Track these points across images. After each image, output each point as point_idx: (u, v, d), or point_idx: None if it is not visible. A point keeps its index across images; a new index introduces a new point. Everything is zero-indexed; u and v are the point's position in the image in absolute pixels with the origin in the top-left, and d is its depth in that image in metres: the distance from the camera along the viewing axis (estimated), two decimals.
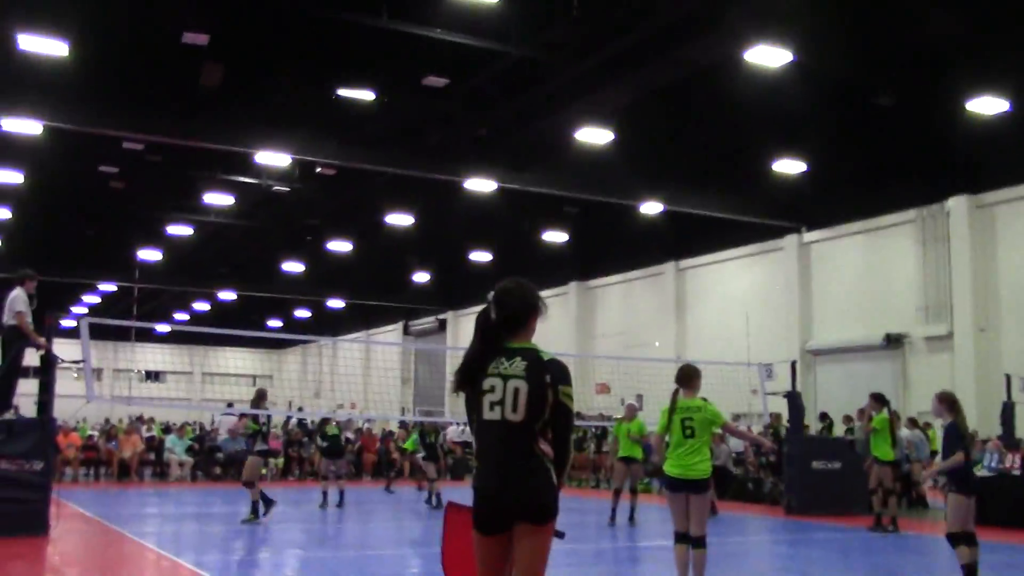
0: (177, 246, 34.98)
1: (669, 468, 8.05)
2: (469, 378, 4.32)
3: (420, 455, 18.88)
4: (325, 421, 19.20)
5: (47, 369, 12.50)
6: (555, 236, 30.64)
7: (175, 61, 18.83)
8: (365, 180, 25.42)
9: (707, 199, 25.16)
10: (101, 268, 38.31)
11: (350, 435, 24.11)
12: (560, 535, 4.40)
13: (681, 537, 8.00)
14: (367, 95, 19.80)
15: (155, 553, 11.36)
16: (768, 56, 15.81)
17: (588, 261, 34.15)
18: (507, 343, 4.32)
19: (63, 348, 13.38)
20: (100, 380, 49.74)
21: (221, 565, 10.69)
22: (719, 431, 8.38)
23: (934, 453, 18.51)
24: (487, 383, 4.27)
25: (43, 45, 16.13)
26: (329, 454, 18.11)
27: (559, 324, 33.66)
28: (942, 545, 8.77)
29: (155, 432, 26.65)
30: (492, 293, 4.38)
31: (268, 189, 27.56)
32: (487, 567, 4.27)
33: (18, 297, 12.03)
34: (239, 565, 10.92)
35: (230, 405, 30.93)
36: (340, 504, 17.33)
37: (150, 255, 36.04)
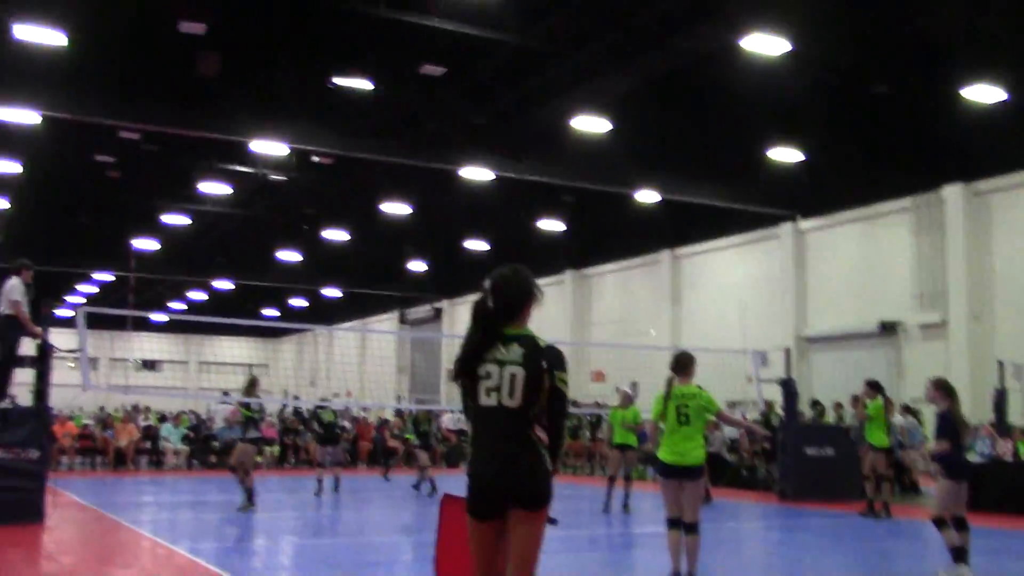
0: (174, 235, 34.95)
1: (663, 454, 8.10)
2: (469, 367, 4.35)
3: (414, 443, 18.97)
4: (322, 406, 19.30)
5: (43, 358, 12.55)
6: (551, 225, 30.66)
7: (172, 50, 18.78)
8: (362, 169, 25.40)
9: (703, 187, 25.18)
10: (97, 257, 38.27)
11: (346, 424, 24.16)
12: (553, 522, 4.45)
13: (674, 523, 8.05)
14: (364, 84, 19.78)
15: (151, 541, 11.41)
16: (765, 45, 15.82)
17: (584, 249, 34.18)
18: (504, 330, 4.36)
19: (59, 337, 13.42)
20: (96, 369, 49.75)
21: (217, 552, 10.75)
22: (713, 419, 8.44)
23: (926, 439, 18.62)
24: (484, 369, 4.30)
25: (40, 35, 16.10)
26: (324, 441, 18.18)
27: (555, 312, 33.71)
28: (934, 530, 8.86)
29: (151, 421, 26.71)
30: (489, 280, 4.41)
31: (265, 178, 27.53)
32: (481, 553, 4.31)
33: (15, 287, 12.09)
34: (235, 552, 10.98)
35: (226, 394, 31.02)
36: (336, 489, 17.41)
37: (146, 244, 36.03)
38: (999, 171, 22.01)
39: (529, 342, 4.32)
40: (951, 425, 9.00)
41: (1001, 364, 18.60)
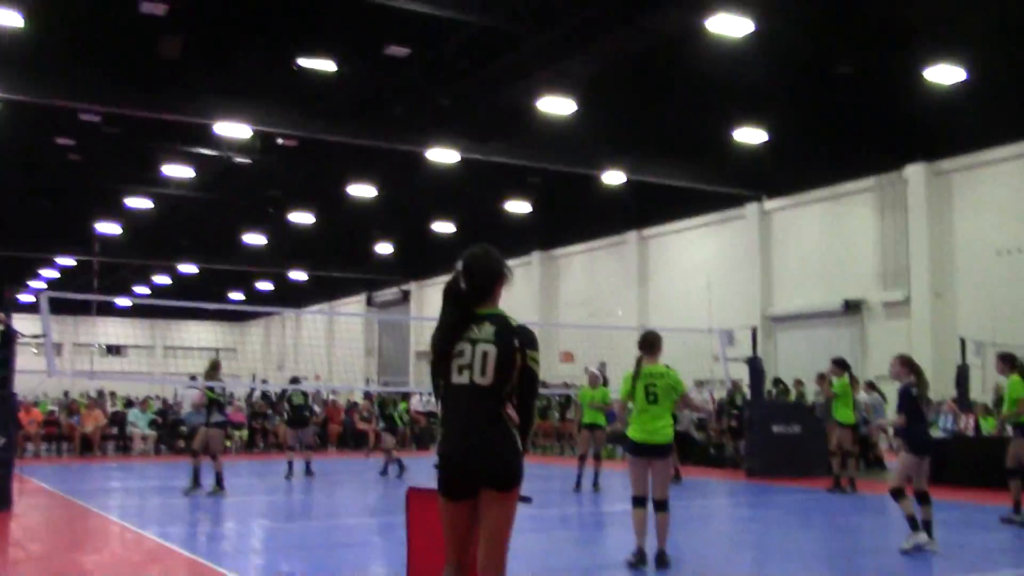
0: (137, 219, 34.55)
1: (633, 433, 8.16)
2: (447, 347, 4.35)
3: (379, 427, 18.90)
4: (294, 380, 19.26)
5: (7, 344, 12.38)
6: (518, 206, 30.65)
7: (133, 32, 18.52)
8: (327, 151, 25.22)
9: (669, 168, 25.29)
10: (60, 242, 37.82)
11: (316, 408, 24.11)
12: (527, 500, 4.47)
13: (639, 501, 8.12)
14: (328, 65, 19.61)
15: (119, 526, 11.36)
16: (729, 25, 15.86)
17: (551, 231, 34.24)
18: (476, 309, 4.37)
19: (22, 323, 13.26)
20: (60, 355, 49.22)
21: (186, 536, 10.72)
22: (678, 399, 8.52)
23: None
24: (456, 348, 4.32)
25: None
26: (294, 424, 18.13)
27: (523, 293, 33.77)
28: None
29: (118, 406, 26.49)
30: (460, 261, 4.42)
31: (229, 161, 27.26)
32: (453, 533, 4.32)
33: None
34: (204, 536, 10.96)
35: (193, 378, 30.75)
36: (308, 473, 17.38)
37: (109, 228, 35.58)
38: (960, 151, 22.29)
39: (501, 321, 4.34)
40: (911, 400, 9.18)
41: (963, 341, 18.88)
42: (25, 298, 26.42)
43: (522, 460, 4.28)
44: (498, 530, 4.23)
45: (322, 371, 44.82)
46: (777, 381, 21.90)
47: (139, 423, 24.72)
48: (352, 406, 28.88)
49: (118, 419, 24.92)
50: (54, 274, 46.46)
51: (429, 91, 21.21)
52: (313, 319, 50.23)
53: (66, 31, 18.17)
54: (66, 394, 33.01)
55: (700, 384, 24.31)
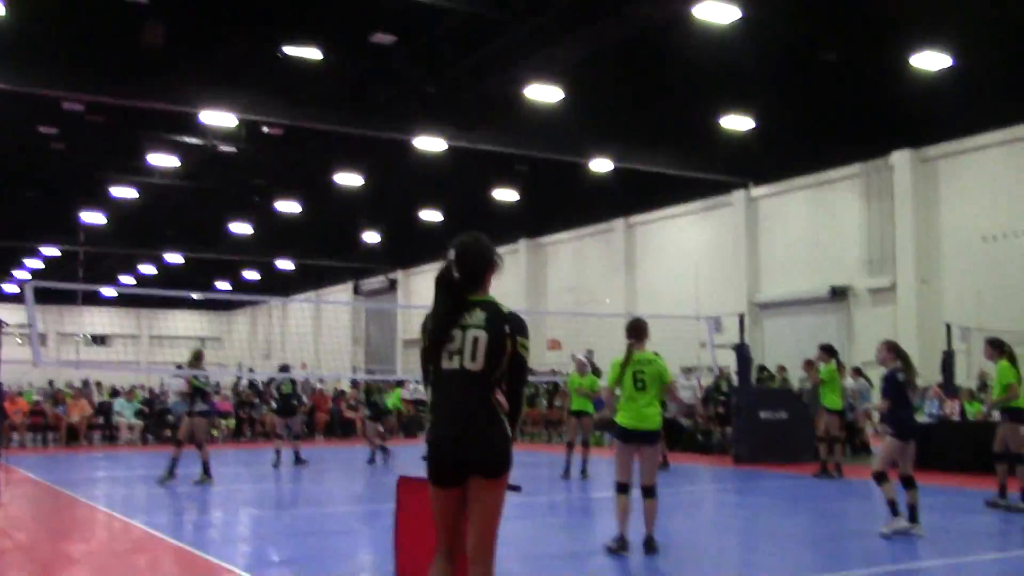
0: (122, 208, 34.36)
1: (622, 419, 8.16)
2: (442, 335, 4.34)
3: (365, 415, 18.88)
4: (283, 369, 19.24)
5: None
6: (505, 194, 30.60)
7: (116, 20, 18.38)
8: (313, 140, 25.13)
9: (656, 156, 25.29)
10: (44, 231, 37.59)
11: (304, 396, 24.07)
12: (517, 489, 4.48)
13: (623, 487, 8.14)
14: (314, 53, 19.51)
15: (106, 515, 11.33)
16: (716, 13, 15.85)
17: (538, 219, 34.22)
18: (468, 296, 4.37)
19: (7, 313, 13.20)
20: (45, 345, 49.00)
21: (173, 525, 10.70)
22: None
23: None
24: (447, 334, 4.32)
25: None
26: (282, 412, 18.10)
27: (510, 281, 33.77)
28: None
29: (104, 396, 26.40)
30: (452, 249, 4.41)
31: (214, 150, 27.14)
32: (443, 520, 4.32)
33: None
34: (191, 525, 10.94)
35: (179, 367, 30.66)
36: (297, 462, 17.35)
37: (94, 218, 35.41)
38: (946, 137, 22.36)
39: (492, 307, 4.34)
40: (896, 385, 9.23)
41: (948, 327, 18.97)
42: (10, 288, 26.28)
43: (511, 447, 4.28)
44: (488, 517, 4.23)
45: (309, 360, 44.76)
46: (762, 368, 21.96)
47: (125, 412, 24.64)
48: (339, 395, 28.85)
49: (104, 409, 24.84)
50: (39, 264, 46.17)
51: (415, 79, 21.14)
52: (300, 308, 50.14)
53: (49, 19, 18.02)
54: (51, 384, 32.87)
55: (688, 371, 24.38)
